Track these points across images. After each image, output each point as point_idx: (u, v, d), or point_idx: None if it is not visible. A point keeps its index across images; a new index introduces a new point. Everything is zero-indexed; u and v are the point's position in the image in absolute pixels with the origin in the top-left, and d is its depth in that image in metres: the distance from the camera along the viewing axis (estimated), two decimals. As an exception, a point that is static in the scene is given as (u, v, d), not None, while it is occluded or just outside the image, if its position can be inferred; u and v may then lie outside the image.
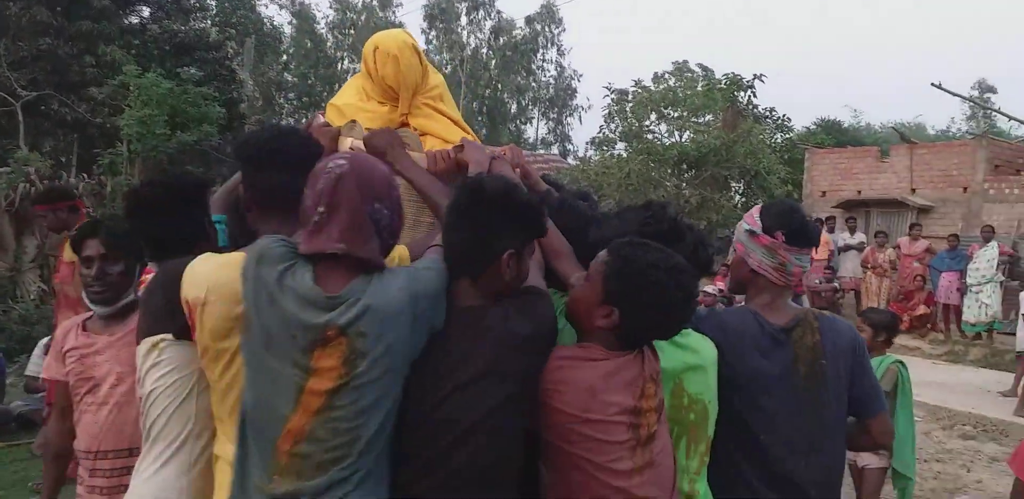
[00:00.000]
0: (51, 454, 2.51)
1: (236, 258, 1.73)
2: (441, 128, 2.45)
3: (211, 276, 1.73)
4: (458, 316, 1.71)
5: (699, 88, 20.19)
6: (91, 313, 2.48)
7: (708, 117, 19.64)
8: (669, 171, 18.15)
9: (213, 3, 21.95)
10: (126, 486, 2.16)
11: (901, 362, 4.09)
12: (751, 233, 2.12)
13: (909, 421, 3.98)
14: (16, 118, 15.53)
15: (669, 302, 1.71)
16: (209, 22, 21.13)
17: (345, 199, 1.61)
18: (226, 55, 19.37)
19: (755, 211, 2.19)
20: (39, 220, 5.01)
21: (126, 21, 19.19)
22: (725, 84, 18.30)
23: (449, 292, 1.72)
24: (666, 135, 19.87)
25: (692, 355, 1.93)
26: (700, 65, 25.24)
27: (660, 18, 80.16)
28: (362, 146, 2.19)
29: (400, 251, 1.91)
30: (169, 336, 1.88)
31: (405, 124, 2.36)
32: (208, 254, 1.83)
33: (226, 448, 1.74)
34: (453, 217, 1.76)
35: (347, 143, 2.20)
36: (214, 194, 2.29)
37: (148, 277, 3.45)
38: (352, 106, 2.41)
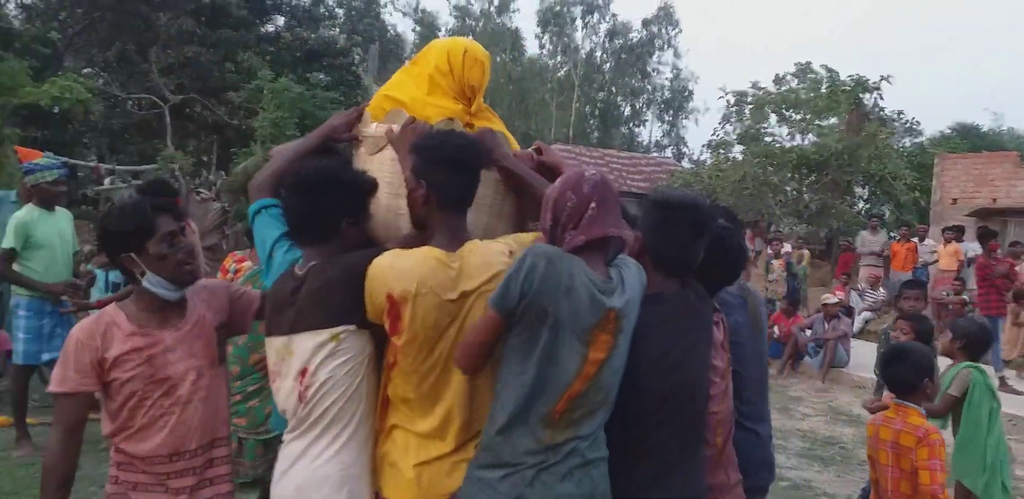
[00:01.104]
0: (57, 481, 2.09)
1: (430, 251, 1.97)
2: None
3: (418, 270, 1.92)
4: (671, 299, 2.12)
5: (823, 90, 19.46)
6: (113, 308, 2.18)
7: (832, 120, 18.89)
8: (789, 175, 17.59)
9: (341, 12, 22.98)
10: (212, 478, 2.22)
11: (979, 369, 3.88)
12: None
13: (976, 427, 3.78)
14: (164, 120, 16.82)
15: (677, 234, 2.13)
16: (337, 30, 22.13)
17: (609, 197, 1.99)
18: (352, 61, 20.24)
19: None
20: None
21: (262, 29, 20.41)
22: (850, 86, 17.56)
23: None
24: (787, 138, 19.27)
25: None
26: (824, 66, 24.29)
27: (782, 18, 77.54)
28: None
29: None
30: (352, 327, 1.97)
31: (470, 125, 2.42)
32: (396, 250, 2.00)
33: (419, 423, 1.97)
34: (681, 231, 2.13)
35: None
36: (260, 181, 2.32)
37: (245, 265, 3.51)
38: (420, 100, 2.38)
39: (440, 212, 2.04)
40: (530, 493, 1.83)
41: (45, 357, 4.77)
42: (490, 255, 1.99)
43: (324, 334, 1.95)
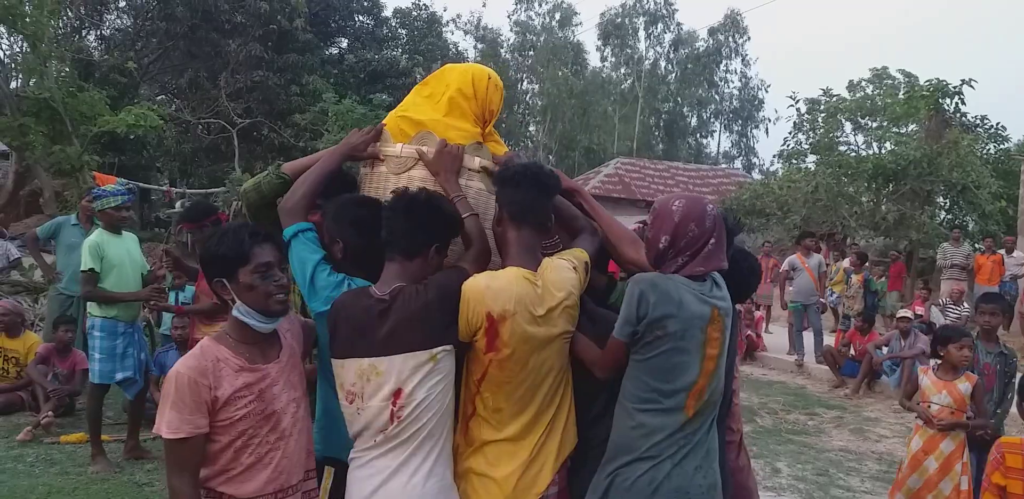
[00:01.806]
0: None
1: (519, 271, 2.13)
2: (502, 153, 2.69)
3: (513, 290, 2.08)
4: None
5: (900, 96, 18.67)
6: (211, 342, 2.05)
7: (911, 127, 18.08)
8: (864, 185, 16.85)
9: (404, 32, 23.32)
10: None
11: None
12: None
13: None
14: (233, 144, 17.29)
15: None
16: (400, 50, 22.45)
17: (722, 232, 2.19)
18: (414, 81, 20.45)
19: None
20: (190, 238, 5.27)
21: (326, 52, 20.85)
22: (928, 91, 16.75)
23: None
24: (863, 146, 18.53)
25: None
26: (902, 71, 23.36)
27: (855, 22, 75.32)
28: (492, 166, 2.43)
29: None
30: (449, 347, 2.07)
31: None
32: (487, 272, 2.14)
33: (506, 429, 2.12)
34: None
35: (476, 162, 2.42)
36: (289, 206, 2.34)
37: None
38: (440, 122, 2.45)
39: (514, 230, 2.20)
40: (667, 486, 2.04)
41: (119, 376, 4.92)
42: (562, 271, 2.15)
43: (423, 355, 2.02)
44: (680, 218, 2.14)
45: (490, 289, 2.06)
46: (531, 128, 39.53)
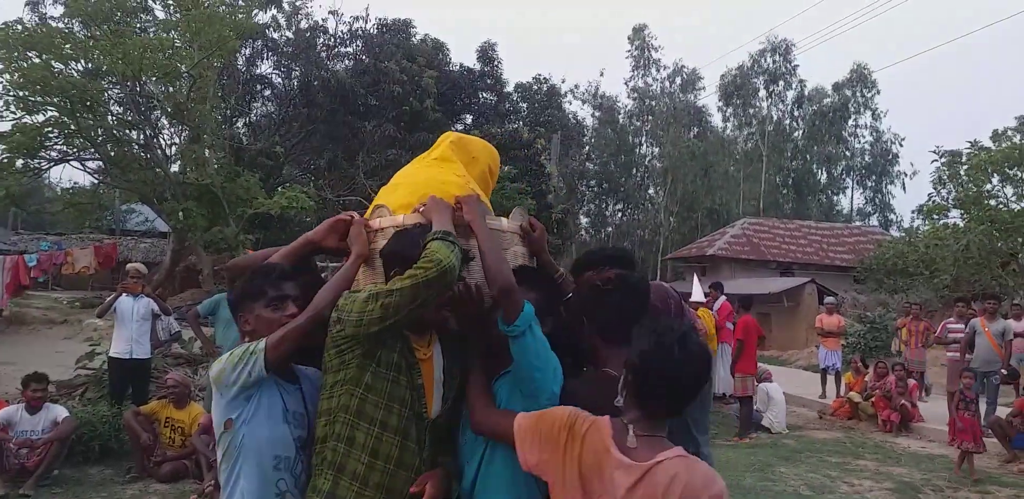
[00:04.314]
0: None
1: None
2: None
3: None
4: None
5: (1053, 144, 17.45)
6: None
7: (1069, 177, 16.79)
8: (1020, 241, 15.68)
9: (525, 106, 24.17)
10: None
11: None
12: None
13: None
14: (368, 219, 18.22)
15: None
16: (521, 123, 23.24)
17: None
18: (536, 151, 21.04)
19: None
20: None
21: (453, 129, 21.84)
22: (1087, 137, 15.57)
23: None
24: (1013, 200, 17.32)
25: None
26: (1052, 117, 21.91)
27: (995, 69, 71.57)
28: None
29: None
30: None
31: None
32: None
33: None
34: None
35: None
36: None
37: None
38: (484, 197, 2.56)
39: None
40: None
41: None
42: None
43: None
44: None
45: None
46: (650, 191, 39.49)
